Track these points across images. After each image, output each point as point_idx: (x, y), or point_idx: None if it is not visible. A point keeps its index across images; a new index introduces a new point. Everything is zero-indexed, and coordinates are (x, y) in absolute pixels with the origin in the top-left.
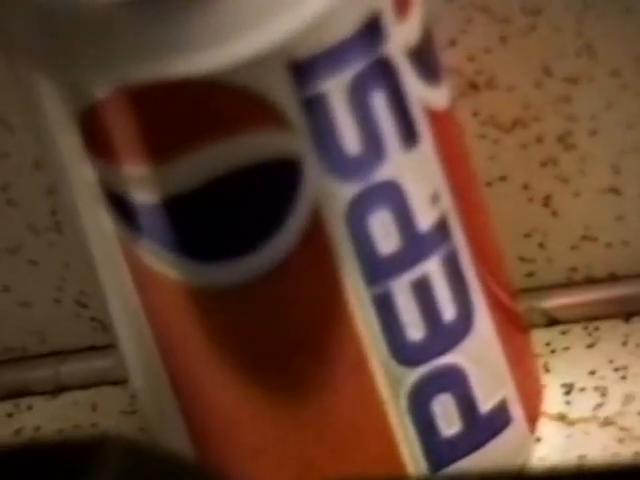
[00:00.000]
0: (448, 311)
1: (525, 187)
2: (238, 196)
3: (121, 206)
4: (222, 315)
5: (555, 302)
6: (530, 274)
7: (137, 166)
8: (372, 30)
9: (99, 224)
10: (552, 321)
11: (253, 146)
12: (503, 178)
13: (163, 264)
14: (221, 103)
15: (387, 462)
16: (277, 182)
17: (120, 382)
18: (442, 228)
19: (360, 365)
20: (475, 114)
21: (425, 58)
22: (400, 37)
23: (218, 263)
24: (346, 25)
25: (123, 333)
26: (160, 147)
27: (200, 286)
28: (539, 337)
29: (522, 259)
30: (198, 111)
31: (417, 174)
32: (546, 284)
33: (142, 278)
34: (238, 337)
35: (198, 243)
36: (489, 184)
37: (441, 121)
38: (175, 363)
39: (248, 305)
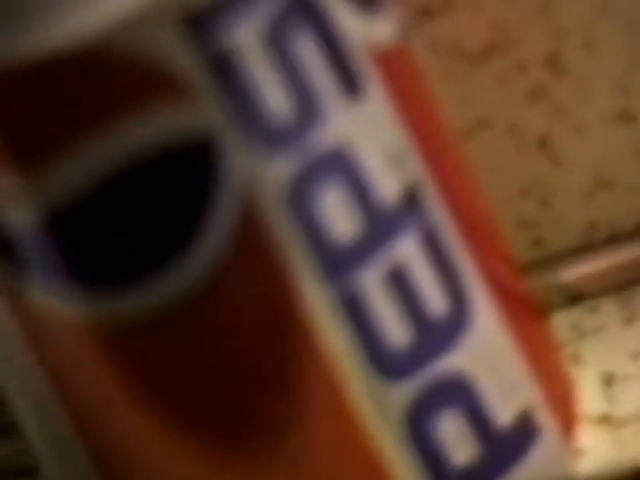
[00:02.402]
0: (436, 303)
1: (512, 129)
2: (140, 197)
3: None
4: (144, 357)
5: (574, 272)
6: (536, 241)
7: (4, 176)
8: None
9: None
10: (574, 297)
11: (151, 129)
12: (483, 122)
13: (55, 301)
14: (103, 79)
15: None
16: (189, 172)
17: (20, 475)
18: (412, 198)
19: (335, 390)
20: (434, 46)
21: None
22: None
23: (126, 287)
24: None
25: (20, 405)
26: (31, 147)
27: (109, 322)
28: (561, 319)
29: (523, 223)
30: (74, 93)
31: (368, 133)
32: (559, 251)
33: (31, 326)
34: (169, 383)
35: (97, 266)
36: (466, 132)
37: (390, 61)
38: (96, 431)
39: (174, 339)
